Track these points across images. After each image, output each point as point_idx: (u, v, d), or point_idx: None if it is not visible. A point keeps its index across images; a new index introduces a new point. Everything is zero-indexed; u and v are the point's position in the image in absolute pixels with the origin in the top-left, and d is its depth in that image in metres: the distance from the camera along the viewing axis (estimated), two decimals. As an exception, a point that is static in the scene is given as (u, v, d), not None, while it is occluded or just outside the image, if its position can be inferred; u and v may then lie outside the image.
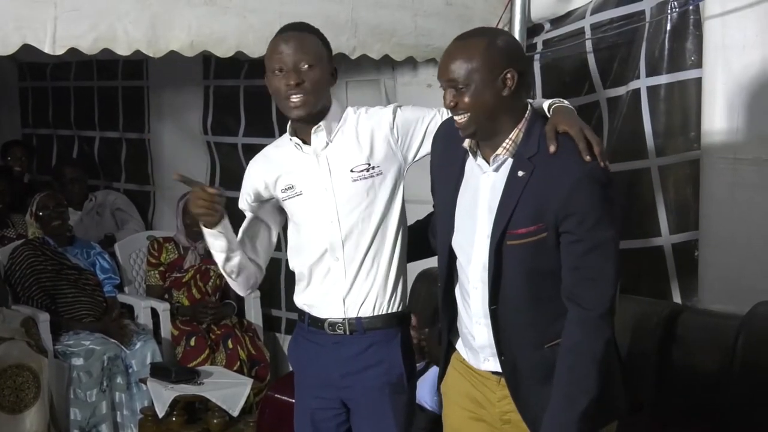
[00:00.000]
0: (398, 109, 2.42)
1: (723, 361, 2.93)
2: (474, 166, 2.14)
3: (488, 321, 2.12)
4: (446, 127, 2.27)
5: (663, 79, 3.29)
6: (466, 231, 2.13)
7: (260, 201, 2.49)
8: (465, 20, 3.58)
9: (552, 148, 2.01)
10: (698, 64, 3.22)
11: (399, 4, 3.38)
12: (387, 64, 3.84)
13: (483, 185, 2.11)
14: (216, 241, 2.40)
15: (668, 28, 3.27)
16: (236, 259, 2.44)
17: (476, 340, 2.17)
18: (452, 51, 2.06)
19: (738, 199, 3.13)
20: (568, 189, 1.97)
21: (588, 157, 1.97)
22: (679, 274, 3.31)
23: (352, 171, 2.36)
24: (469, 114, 2.03)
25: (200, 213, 2.34)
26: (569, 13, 3.60)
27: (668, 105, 3.31)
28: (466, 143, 2.12)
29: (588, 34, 3.49)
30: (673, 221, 3.30)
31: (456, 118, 2.07)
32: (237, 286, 2.55)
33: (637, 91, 3.34)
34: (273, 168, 2.46)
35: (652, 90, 3.31)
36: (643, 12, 3.37)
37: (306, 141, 2.40)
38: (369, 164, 2.37)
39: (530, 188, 2.02)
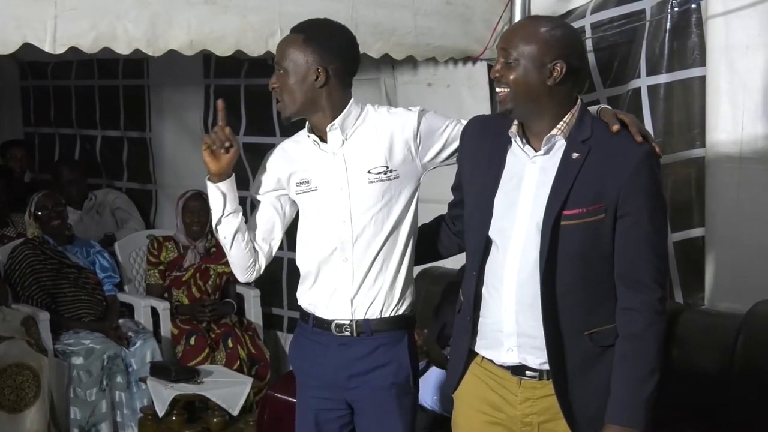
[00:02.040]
0: (424, 114, 2.40)
1: (723, 360, 2.93)
2: (518, 153, 2.16)
3: (517, 308, 2.12)
4: (477, 122, 2.32)
5: (663, 78, 3.29)
6: (507, 217, 2.14)
7: (272, 191, 2.48)
8: (465, 19, 3.58)
9: (616, 127, 2.08)
10: (699, 62, 3.23)
11: (399, 3, 3.38)
12: (387, 63, 3.83)
13: (529, 171, 2.14)
14: (217, 194, 2.41)
15: (668, 27, 3.27)
16: (232, 226, 2.42)
17: (504, 328, 2.16)
18: (515, 27, 2.19)
19: (744, 198, 3.14)
20: (632, 167, 2.03)
21: (640, 138, 2.06)
22: (681, 272, 3.32)
23: (369, 172, 2.35)
24: (509, 90, 2.09)
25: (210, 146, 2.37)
26: (569, 12, 3.60)
27: (669, 104, 3.31)
28: (513, 129, 2.15)
29: (588, 33, 3.49)
30: (674, 219, 3.30)
31: (497, 89, 2.13)
32: (234, 266, 2.51)
33: (637, 90, 3.34)
34: (289, 161, 2.44)
35: (653, 89, 3.31)
36: (643, 11, 3.37)
37: (323, 138, 2.39)
38: (387, 167, 2.35)
39: (587, 169, 2.06)
